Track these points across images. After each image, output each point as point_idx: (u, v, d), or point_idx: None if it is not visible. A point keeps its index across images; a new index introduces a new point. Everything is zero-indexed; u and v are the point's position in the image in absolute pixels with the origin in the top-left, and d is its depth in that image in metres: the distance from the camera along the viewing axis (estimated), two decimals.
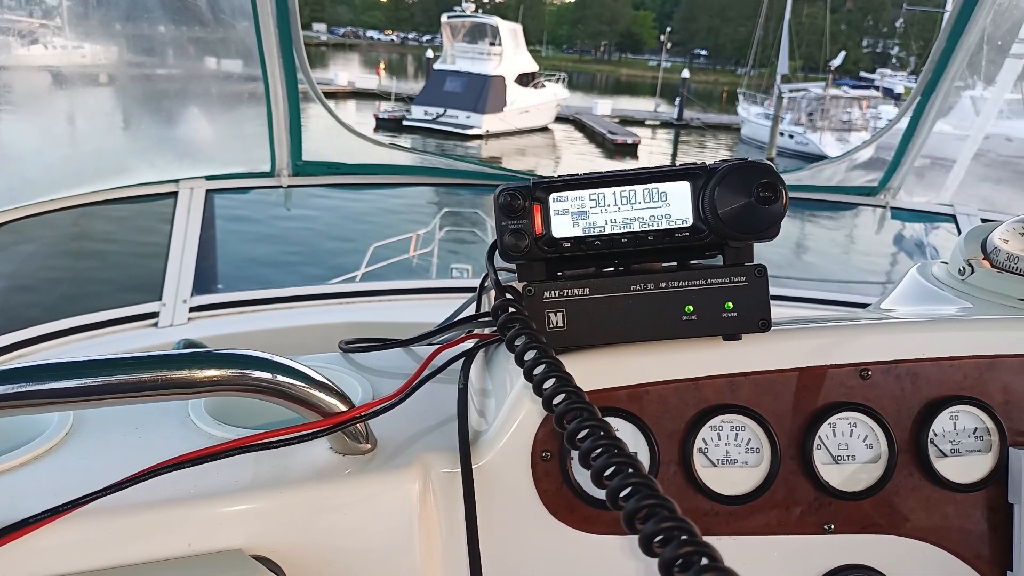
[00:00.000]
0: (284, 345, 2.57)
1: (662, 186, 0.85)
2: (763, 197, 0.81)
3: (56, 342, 2.41)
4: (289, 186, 3.03)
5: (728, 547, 0.92)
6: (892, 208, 3.46)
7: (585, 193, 0.85)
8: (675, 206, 0.84)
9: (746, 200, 0.81)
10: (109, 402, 0.72)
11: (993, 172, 3.54)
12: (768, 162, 0.82)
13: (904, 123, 3.26)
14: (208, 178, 2.85)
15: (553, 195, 0.85)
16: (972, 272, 1.17)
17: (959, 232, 3.33)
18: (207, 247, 2.79)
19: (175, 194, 2.78)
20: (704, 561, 0.48)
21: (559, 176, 0.87)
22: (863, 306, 3.03)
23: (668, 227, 0.85)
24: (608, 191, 0.85)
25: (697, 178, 0.84)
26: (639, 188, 0.85)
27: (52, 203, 2.57)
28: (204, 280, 2.76)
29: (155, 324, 2.56)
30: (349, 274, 5.37)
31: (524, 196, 0.85)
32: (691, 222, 0.84)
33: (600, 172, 0.86)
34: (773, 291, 0.87)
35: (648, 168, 0.86)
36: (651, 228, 0.85)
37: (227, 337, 2.53)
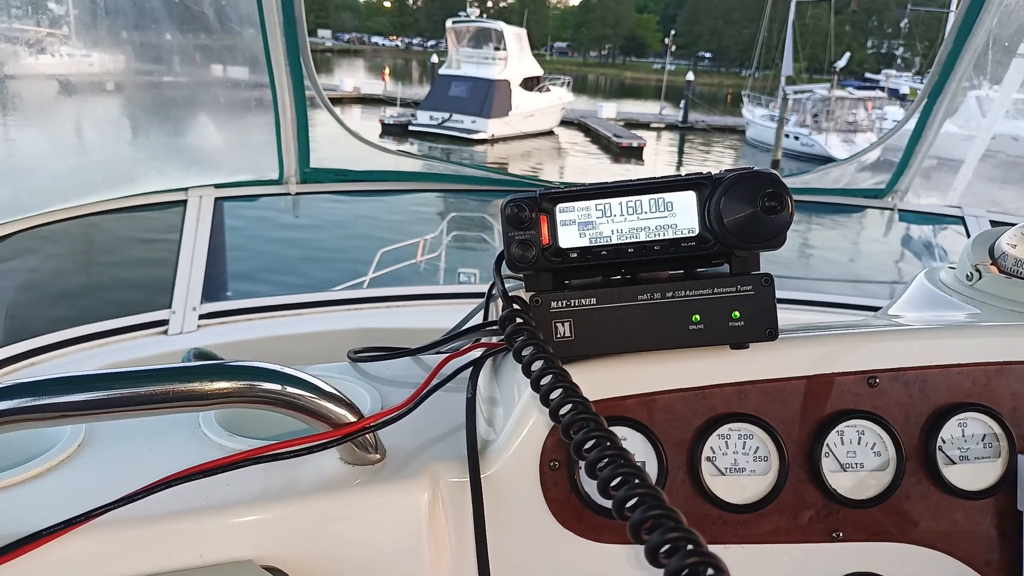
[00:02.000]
0: (293, 352, 2.58)
1: (668, 196, 0.85)
2: (769, 207, 0.81)
3: (66, 350, 2.42)
4: (297, 193, 3.04)
5: (736, 555, 0.92)
6: (900, 210, 3.45)
7: (591, 203, 0.86)
8: (681, 216, 0.85)
9: (752, 210, 0.81)
10: (121, 415, 0.73)
11: (1000, 172, 3.53)
12: (774, 171, 0.82)
13: (911, 125, 3.25)
14: (217, 186, 2.86)
15: (560, 206, 0.86)
16: (980, 278, 1.16)
17: (968, 234, 3.32)
18: (216, 255, 2.80)
19: (184, 202, 2.79)
20: (710, 572, 0.49)
21: (565, 186, 0.88)
22: (871, 309, 3.02)
23: (674, 236, 0.85)
24: (614, 201, 0.85)
25: (703, 188, 0.84)
26: (645, 198, 0.85)
27: (61, 212, 2.58)
28: (213, 288, 2.77)
29: (165, 332, 2.57)
30: (357, 279, 5.37)
31: (531, 207, 0.85)
32: (697, 232, 0.84)
33: (606, 183, 0.86)
34: (780, 295, 0.87)
35: (654, 178, 0.86)
36: (657, 238, 0.85)
37: (237, 345, 2.54)
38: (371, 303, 2.94)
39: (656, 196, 0.85)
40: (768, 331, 0.87)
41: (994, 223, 3.25)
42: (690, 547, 0.50)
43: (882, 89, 41.74)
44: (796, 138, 30.06)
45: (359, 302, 2.94)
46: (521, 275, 0.90)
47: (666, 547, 0.51)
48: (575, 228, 0.86)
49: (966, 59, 2.93)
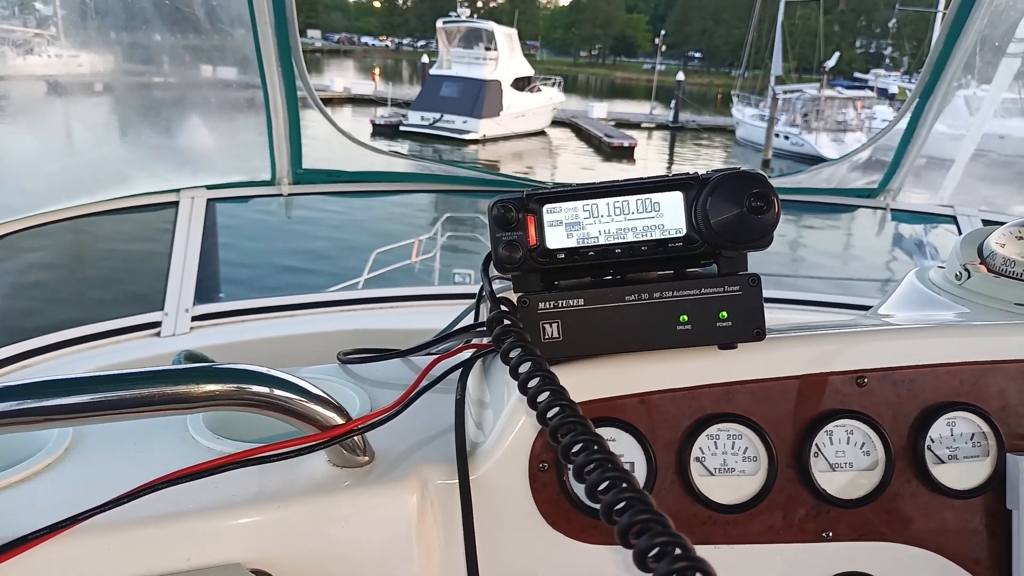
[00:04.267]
0: (287, 354, 2.57)
1: (655, 196, 0.85)
2: (755, 207, 0.81)
3: (58, 353, 2.40)
4: (290, 194, 3.03)
5: (726, 556, 0.92)
6: (892, 210, 3.46)
7: (579, 204, 0.85)
8: (668, 216, 0.85)
9: (738, 210, 0.81)
10: (108, 418, 0.73)
11: (989, 171, 3.54)
12: (760, 172, 0.82)
13: (903, 124, 3.26)
14: (209, 187, 2.85)
15: (547, 206, 0.86)
16: (969, 277, 1.17)
17: (960, 233, 3.33)
18: (208, 256, 2.79)
19: (176, 203, 2.78)
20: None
21: (552, 187, 0.88)
22: (862, 308, 3.03)
23: (662, 237, 0.85)
24: (601, 202, 0.85)
25: (690, 188, 0.84)
26: (632, 199, 0.85)
27: (52, 214, 2.57)
28: (206, 289, 2.76)
29: (157, 334, 2.56)
30: (352, 280, 5.36)
31: (518, 208, 0.85)
32: (684, 232, 0.84)
33: (593, 183, 0.86)
34: (770, 294, 0.87)
35: (641, 179, 0.86)
36: (645, 238, 0.85)
37: (229, 346, 2.53)
38: (365, 304, 2.94)
39: (643, 197, 0.85)
40: (756, 331, 0.87)
41: (986, 222, 3.27)
42: (678, 551, 0.50)
43: (871, 89, 41.88)
44: (786, 137, 30.14)
45: (353, 303, 2.93)
46: (509, 276, 0.89)
47: (654, 551, 0.51)
48: (562, 229, 0.86)
49: (957, 59, 2.94)
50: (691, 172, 0.86)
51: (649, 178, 0.86)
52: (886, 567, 0.94)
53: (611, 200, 0.85)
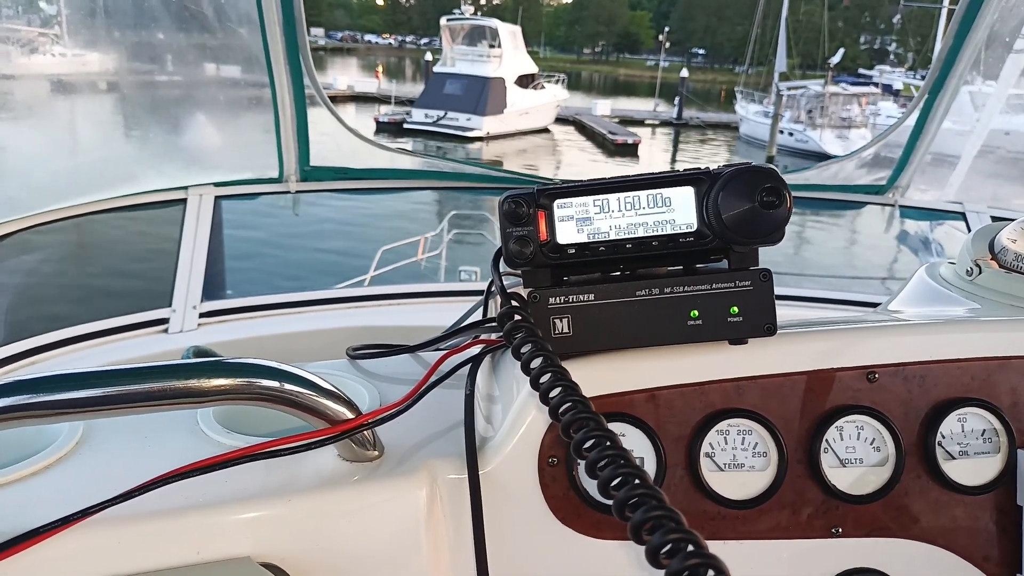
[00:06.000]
0: (294, 350, 2.58)
1: (666, 191, 0.85)
2: (767, 202, 0.81)
3: (66, 349, 2.41)
4: (297, 191, 3.03)
5: (736, 551, 0.92)
6: (901, 206, 3.45)
7: (589, 199, 0.85)
8: (679, 211, 0.85)
9: (750, 205, 0.81)
10: (118, 412, 0.73)
11: (996, 167, 3.53)
12: (772, 166, 0.82)
13: (911, 121, 3.25)
14: (217, 184, 2.85)
15: (558, 201, 0.86)
16: (980, 272, 1.16)
17: (968, 230, 3.32)
18: (216, 253, 2.79)
19: (184, 201, 2.78)
20: (711, 573, 0.49)
21: (563, 182, 0.87)
22: (871, 305, 3.03)
23: (673, 232, 0.85)
24: (612, 197, 0.85)
25: (701, 183, 0.84)
26: (643, 194, 0.85)
27: (60, 212, 2.58)
28: (213, 286, 2.77)
29: (165, 330, 2.56)
30: (358, 277, 5.36)
31: (528, 203, 0.85)
32: (696, 227, 0.84)
33: (604, 178, 0.86)
34: (779, 291, 0.87)
35: (652, 174, 0.86)
36: (656, 233, 0.85)
37: (237, 343, 2.53)
38: (372, 301, 2.94)
39: (654, 192, 0.85)
40: (767, 326, 0.86)
41: (995, 219, 3.26)
42: (691, 548, 0.50)
43: (876, 85, 41.72)
44: (790, 134, 30.07)
45: (360, 300, 2.93)
46: (519, 271, 0.89)
47: (667, 548, 0.51)
48: (573, 224, 0.86)
49: (967, 54, 2.92)
50: (702, 167, 0.85)
51: (660, 173, 0.86)
52: (895, 564, 0.94)
53: (622, 195, 0.85)
